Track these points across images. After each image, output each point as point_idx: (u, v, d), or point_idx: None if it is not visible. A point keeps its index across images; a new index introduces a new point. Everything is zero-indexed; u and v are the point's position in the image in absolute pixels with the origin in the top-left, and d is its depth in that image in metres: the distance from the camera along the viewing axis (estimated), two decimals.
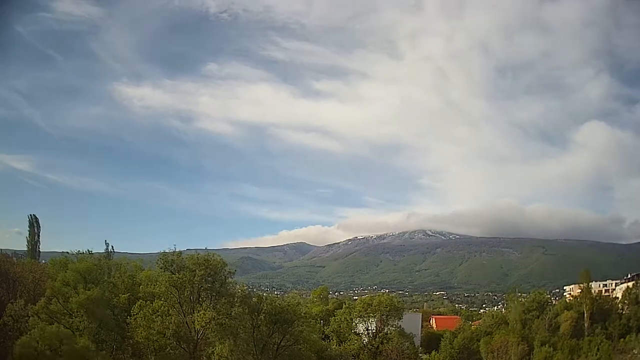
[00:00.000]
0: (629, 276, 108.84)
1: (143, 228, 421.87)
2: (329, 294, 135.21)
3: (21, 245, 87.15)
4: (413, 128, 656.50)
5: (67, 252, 52.86)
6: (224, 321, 40.77)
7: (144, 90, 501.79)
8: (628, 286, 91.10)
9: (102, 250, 59.64)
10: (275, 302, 47.69)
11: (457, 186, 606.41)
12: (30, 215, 78.41)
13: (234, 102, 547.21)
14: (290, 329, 45.75)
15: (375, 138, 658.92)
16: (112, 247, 64.14)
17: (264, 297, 49.52)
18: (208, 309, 40.62)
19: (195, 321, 40.34)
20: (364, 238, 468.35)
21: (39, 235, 77.29)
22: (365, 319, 67.19)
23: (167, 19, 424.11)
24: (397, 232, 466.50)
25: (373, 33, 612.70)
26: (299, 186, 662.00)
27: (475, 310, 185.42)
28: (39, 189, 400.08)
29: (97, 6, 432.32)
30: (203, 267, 42.76)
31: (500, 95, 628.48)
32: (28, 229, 77.35)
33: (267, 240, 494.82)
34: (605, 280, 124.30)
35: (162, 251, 45.15)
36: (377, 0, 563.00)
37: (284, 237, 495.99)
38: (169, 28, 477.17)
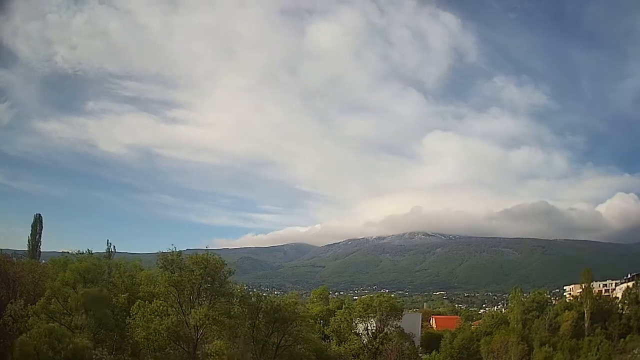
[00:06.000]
0: (629, 276, 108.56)
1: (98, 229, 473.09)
2: (329, 294, 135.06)
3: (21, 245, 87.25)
4: (264, 145, 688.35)
5: (67, 252, 52.90)
6: (221, 319, 40.71)
7: (53, 125, 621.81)
8: (628, 286, 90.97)
9: (98, 250, 59.66)
10: (273, 301, 47.66)
11: (340, 195, 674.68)
12: (36, 214, 78.52)
13: (116, 130, 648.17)
14: (289, 328, 45.69)
15: (241, 154, 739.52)
16: (114, 246, 64.17)
17: (262, 297, 49.49)
18: (205, 308, 40.55)
19: (191, 319, 40.32)
20: (363, 238, 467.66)
21: (40, 235, 77.09)
22: (365, 319, 67.21)
23: (42, 77, 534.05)
24: (397, 232, 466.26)
25: (172, 77, 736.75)
26: (202, 197, 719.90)
27: (475, 310, 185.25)
28: (10, 195, 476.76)
29: (3, 70, 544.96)
30: (202, 266, 42.72)
31: (319, 116, 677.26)
32: (31, 228, 77.26)
33: (266, 241, 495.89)
34: (605, 280, 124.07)
35: (160, 251, 45.10)
36: (166, 52, 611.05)
37: (284, 238, 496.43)
38: (47, 83, 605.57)
